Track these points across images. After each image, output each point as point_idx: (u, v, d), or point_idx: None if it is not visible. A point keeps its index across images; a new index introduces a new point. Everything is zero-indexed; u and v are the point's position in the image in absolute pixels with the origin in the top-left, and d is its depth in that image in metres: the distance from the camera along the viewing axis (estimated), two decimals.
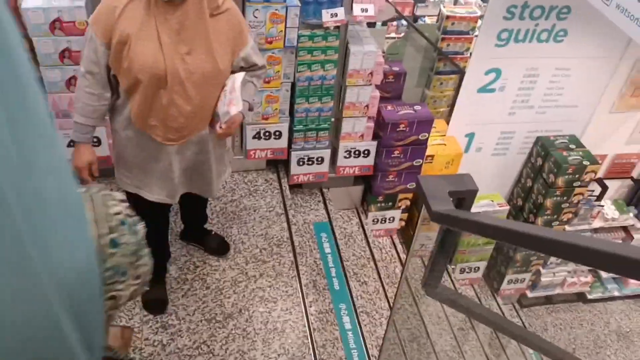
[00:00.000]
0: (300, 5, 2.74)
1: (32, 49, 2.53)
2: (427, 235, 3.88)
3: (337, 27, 2.88)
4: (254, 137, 3.15)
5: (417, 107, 3.34)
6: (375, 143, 3.33)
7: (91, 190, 0.81)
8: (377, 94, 3.14)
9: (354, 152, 3.34)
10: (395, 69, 3.43)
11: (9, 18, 0.57)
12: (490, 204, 3.87)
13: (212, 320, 2.56)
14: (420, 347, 2.86)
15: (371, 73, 3.03)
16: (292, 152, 3.23)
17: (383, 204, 3.67)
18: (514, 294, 4.61)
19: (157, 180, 2.16)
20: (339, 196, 3.63)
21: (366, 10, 2.78)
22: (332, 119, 3.19)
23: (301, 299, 2.75)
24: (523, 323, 4.53)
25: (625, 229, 4.30)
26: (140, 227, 0.86)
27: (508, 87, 3.55)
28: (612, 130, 3.88)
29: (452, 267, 4.15)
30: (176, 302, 2.60)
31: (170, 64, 1.85)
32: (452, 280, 4.07)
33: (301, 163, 3.28)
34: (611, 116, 3.78)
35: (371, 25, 4.62)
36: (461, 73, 4.86)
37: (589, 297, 4.79)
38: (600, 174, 3.98)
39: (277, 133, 3.16)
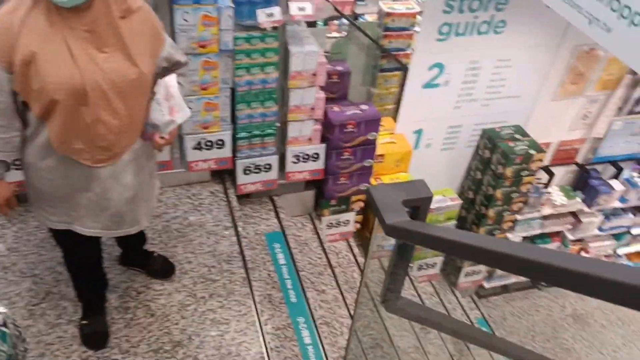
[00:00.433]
0: (233, 6, 2.58)
1: None
2: (384, 236, 3.81)
3: (275, 28, 2.73)
4: (194, 148, 2.96)
5: (364, 107, 3.25)
6: (323, 146, 3.21)
7: None
8: (323, 95, 3.02)
9: (303, 157, 3.21)
10: (339, 68, 3.32)
11: None
12: (442, 199, 3.84)
13: (160, 350, 2.36)
14: (383, 353, 2.76)
15: (314, 74, 2.91)
16: (238, 161, 3.06)
17: (336, 208, 3.56)
18: (472, 287, 4.62)
19: (90, 212, 1.94)
20: (290, 203, 3.48)
21: (303, 9, 2.65)
22: (277, 124, 3.05)
23: (256, 317, 2.59)
24: (483, 315, 4.54)
25: (573, 214, 4.37)
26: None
27: (452, 82, 3.52)
28: (555, 118, 3.93)
29: (410, 264, 4.09)
30: (118, 333, 2.38)
31: (88, 76, 1.65)
32: (410, 279, 4.01)
33: (248, 172, 3.12)
34: (553, 104, 3.82)
35: (312, 25, 4.50)
36: (404, 70, 4.83)
37: (544, 283, 4.86)
38: (545, 162, 4.02)
39: (219, 142, 2.98)
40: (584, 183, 4.28)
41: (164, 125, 1.89)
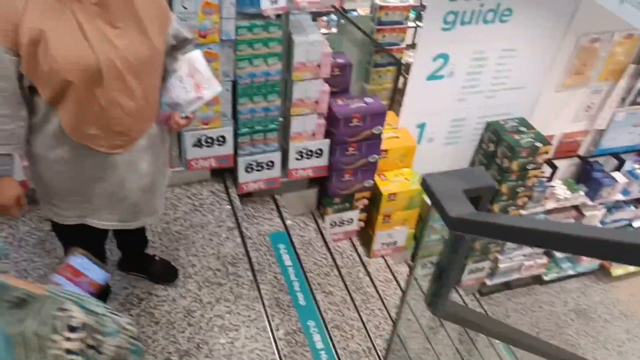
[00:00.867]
0: None
1: None
2: (388, 234, 3.69)
3: (279, 16, 2.59)
4: (194, 145, 2.80)
5: (369, 100, 3.12)
6: (327, 141, 3.08)
7: (26, 327, 0.60)
8: (327, 87, 2.88)
9: (306, 153, 3.07)
10: (341, 60, 3.18)
11: None
12: None
13: None
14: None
15: (319, 65, 2.77)
16: (239, 159, 2.90)
17: (340, 206, 3.43)
18: (475, 284, 4.53)
19: (106, 203, 1.79)
20: (293, 201, 3.34)
21: None
22: (280, 119, 2.90)
23: (266, 322, 2.44)
24: (486, 312, 4.45)
25: (576, 207, 4.32)
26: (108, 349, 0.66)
27: (457, 73, 3.42)
28: (559, 110, 3.86)
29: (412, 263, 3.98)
30: None
31: (102, 54, 1.49)
32: (415, 278, 3.89)
33: (250, 169, 2.97)
34: (557, 95, 3.75)
35: None
36: (399, 65, 4.74)
37: (545, 278, 4.80)
38: (549, 155, 3.95)
39: (220, 138, 2.82)
40: (587, 176, 4.22)
41: (187, 104, 1.77)
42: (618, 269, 4.91)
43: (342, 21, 5.35)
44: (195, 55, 1.79)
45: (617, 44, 3.62)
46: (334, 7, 5.21)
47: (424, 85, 3.40)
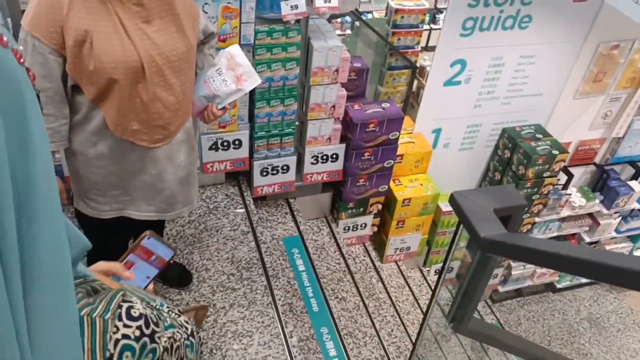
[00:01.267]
0: None
1: None
2: (402, 239, 3.67)
3: (297, 21, 2.58)
4: (210, 148, 2.79)
5: (385, 105, 3.11)
6: (343, 146, 3.06)
7: (95, 310, 0.71)
8: (344, 92, 2.87)
9: (322, 157, 3.06)
10: (357, 65, 3.18)
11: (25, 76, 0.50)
12: None
13: None
14: None
15: (337, 70, 2.76)
16: (255, 162, 2.90)
17: (354, 210, 3.42)
18: (487, 291, 4.49)
19: (144, 195, 1.84)
20: (307, 206, 3.33)
21: (329, 1, 2.50)
22: (296, 123, 2.89)
23: (280, 329, 2.43)
24: (498, 319, 4.42)
25: (591, 215, 4.27)
26: (161, 342, 0.75)
27: (474, 79, 3.39)
28: (576, 117, 3.82)
29: (427, 269, 3.96)
30: None
31: (143, 52, 1.54)
32: (428, 283, 3.88)
33: (265, 173, 2.96)
34: (575, 102, 3.71)
35: None
36: (413, 68, 4.71)
37: (558, 286, 4.76)
38: (565, 162, 3.91)
39: (236, 142, 2.82)
40: (603, 184, 4.17)
41: (226, 96, 1.83)
42: None
43: (357, 23, 5.33)
44: (235, 49, 1.85)
45: (637, 52, 3.57)
46: (354, 12, 5.19)
47: (440, 90, 3.37)
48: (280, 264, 2.90)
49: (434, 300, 1.65)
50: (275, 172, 2.98)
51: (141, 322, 0.72)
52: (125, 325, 0.71)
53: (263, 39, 2.53)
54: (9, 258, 0.46)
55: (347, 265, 3.21)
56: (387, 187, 3.35)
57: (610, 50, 3.51)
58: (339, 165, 3.13)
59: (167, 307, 0.91)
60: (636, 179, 4.18)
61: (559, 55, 3.42)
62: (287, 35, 2.56)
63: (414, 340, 2.20)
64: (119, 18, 1.50)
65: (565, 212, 4.09)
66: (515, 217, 1.18)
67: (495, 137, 3.78)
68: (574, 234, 4.42)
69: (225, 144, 2.80)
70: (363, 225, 3.53)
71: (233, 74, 1.82)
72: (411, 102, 4.78)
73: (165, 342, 0.75)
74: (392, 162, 3.22)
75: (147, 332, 0.72)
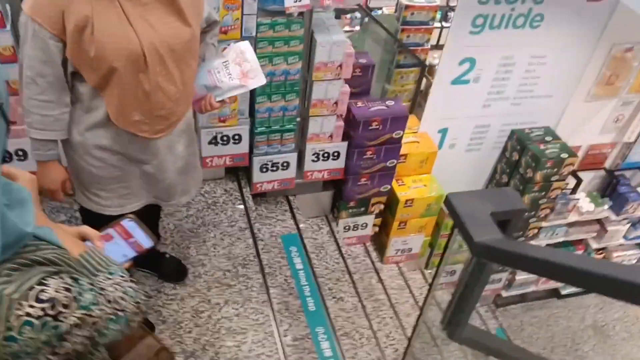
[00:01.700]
0: None
1: None
2: (403, 240, 3.61)
3: (301, 14, 2.52)
4: (209, 143, 2.75)
5: (390, 103, 3.04)
6: (345, 144, 3.00)
7: (6, 289, 0.80)
8: (347, 89, 2.81)
9: (323, 155, 3.00)
10: (363, 61, 3.11)
11: None
12: None
13: None
14: None
15: (340, 66, 2.70)
16: (254, 158, 2.85)
17: (355, 210, 3.36)
18: (490, 295, 4.42)
19: (144, 185, 1.84)
20: (307, 203, 3.28)
21: None
22: (298, 119, 2.84)
23: (274, 327, 2.39)
24: (500, 324, 4.35)
25: (599, 221, 4.18)
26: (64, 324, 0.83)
27: (483, 78, 3.31)
28: (587, 120, 3.73)
29: (429, 271, 3.90)
30: None
31: (145, 40, 1.51)
32: (430, 287, 3.80)
33: (264, 169, 2.91)
34: (586, 105, 3.62)
35: None
36: (423, 66, 4.63)
37: (563, 292, 4.67)
38: (574, 166, 3.82)
39: (236, 137, 2.77)
40: (612, 190, 4.08)
41: (227, 89, 1.81)
42: None
43: (366, 19, 5.25)
44: (246, 45, 1.84)
45: None
46: (359, 5, 5.11)
47: (448, 89, 3.30)
48: (278, 262, 2.85)
49: (426, 304, 1.59)
50: (275, 168, 2.93)
51: (46, 305, 0.79)
52: (30, 306, 0.79)
53: (265, 31, 2.48)
54: None
55: (346, 265, 3.16)
56: (389, 187, 3.29)
57: (624, 52, 3.41)
58: (340, 163, 3.08)
59: (121, 276, 0.98)
60: None
61: (571, 57, 3.33)
62: (290, 29, 2.50)
63: (410, 341, 2.15)
64: (120, 4, 1.47)
65: (572, 218, 4.00)
66: (514, 222, 1.11)
67: (504, 138, 3.70)
68: (581, 240, 4.33)
69: (224, 138, 2.75)
70: (364, 225, 3.47)
71: (239, 69, 1.81)
72: (419, 100, 4.70)
73: (74, 320, 0.83)
74: (395, 161, 3.16)
75: (51, 312, 0.80)
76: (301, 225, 3.15)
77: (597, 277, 0.78)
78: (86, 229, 1.14)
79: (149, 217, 2.31)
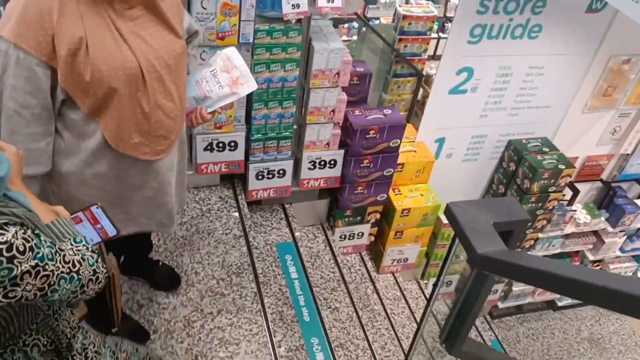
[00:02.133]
0: None
1: None
2: (399, 250, 3.58)
3: (299, 21, 2.51)
4: (205, 149, 2.72)
5: (387, 111, 3.02)
6: (342, 152, 2.98)
7: None
8: (345, 97, 2.79)
9: (319, 163, 2.98)
10: (360, 69, 3.09)
11: None
12: None
13: None
14: None
15: (337, 73, 2.68)
16: (250, 165, 2.82)
17: (351, 219, 3.33)
18: (486, 306, 4.39)
19: (145, 210, 1.71)
20: (302, 212, 3.25)
21: (332, 1, 2.43)
22: (294, 126, 2.81)
23: (268, 338, 2.34)
24: (496, 336, 4.31)
25: (596, 233, 4.16)
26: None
27: (480, 88, 3.31)
28: (584, 132, 3.72)
29: (425, 282, 3.86)
30: None
31: (141, 57, 1.41)
32: (425, 296, 3.78)
33: (260, 177, 2.88)
34: (583, 116, 3.62)
35: None
36: (419, 75, 4.63)
37: (559, 304, 4.64)
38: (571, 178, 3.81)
39: (232, 144, 2.74)
40: (609, 202, 4.07)
41: (219, 99, 1.74)
42: None
43: (364, 29, 5.26)
44: (232, 51, 1.76)
45: None
46: (356, 14, 5.12)
47: (445, 98, 3.29)
48: (272, 271, 2.81)
49: (424, 320, 1.56)
50: (271, 176, 2.90)
51: (3, 247, 0.85)
52: None
53: (262, 38, 2.46)
54: None
55: (342, 275, 3.12)
56: (386, 196, 3.26)
57: (621, 65, 3.42)
58: (337, 171, 3.05)
59: (85, 245, 1.08)
60: None
61: (569, 68, 3.33)
62: (288, 35, 2.49)
63: (407, 356, 2.11)
64: (112, 22, 1.37)
65: (569, 229, 3.98)
66: (517, 233, 1.08)
67: (501, 148, 3.69)
68: (577, 252, 4.32)
69: (220, 145, 2.72)
70: (360, 234, 3.44)
71: (228, 76, 1.74)
72: (416, 110, 4.69)
73: (26, 267, 0.89)
74: (392, 170, 3.14)
75: (6, 254, 0.86)
76: (297, 234, 3.11)
77: (620, 294, 0.74)
78: (60, 209, 1.20)
79: (140, 247, 2.26)
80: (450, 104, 3.32)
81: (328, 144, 2.94)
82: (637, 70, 3.48)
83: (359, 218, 3.35)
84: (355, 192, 3.17)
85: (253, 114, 2.68)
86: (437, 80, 3.23)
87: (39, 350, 1.15)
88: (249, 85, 1.77)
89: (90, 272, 1.06)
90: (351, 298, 3.04)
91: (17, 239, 0.89)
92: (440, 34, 6.57)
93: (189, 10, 2.31)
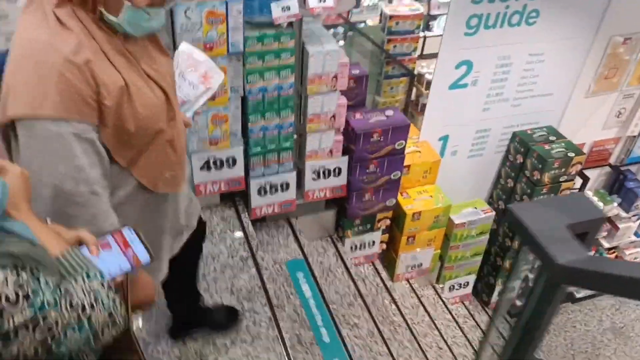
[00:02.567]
0: None
1: None
2: (413, 255, 3.42)
3: (290, 25, 2.37)
4: (202, 169, 2.56)
5: (389, 113, 2.89)
6: (346, 159, 2.83)
7: None
8: (345, 101, 2.65)
9: (324, 172, 2.82)
10: (355, 72, 2.96)
11: None
12: (474, 211, 3.48)
13: None
14: None
15: (335, 77, 2.54)
16: (251, 181, 2.66)
17: (361, 228, 3.17)
18: (504, 305, 4.23)
19: (169, 234, 1.57)
20: (310, 225, 3.09)
21: (324, 0, 2.29)
22: (294, 136, 2.66)
23: None
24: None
25: (609, 219, 4.04)
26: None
27: (481, 81, 3.19)
28: (588, 116, 3.61)
29: (441, 285, 3.71)
30: None
31: (164, 87, 1.32)
32: (442, 300, 3.62)
33: (263, 192, 2.72)
34: (587, 101, 3.51)
35: None
36: (411, 75, 4.52)
37: (577, 295, 4.50)
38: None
39: (230, 160, 2.58)
40: (620, 186, 3.96)
41: (195, 100, 1.61)
42: None
43: (350, 33, 5.14)
44: (188, 47, 1.65)
45: None
46: (342, 17, 5.01)
47: (446, 95, 3.16)
48: (285, 291, 2.64)
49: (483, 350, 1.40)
50: (274, 190, 2.74)
51: None
52: None
53: (253, 45, 2.31)
54: None
55: (357, 288, 2.96)
56: (395, 200, 3.11)
57: (622, 44, 3.32)
58: (342, 179, 2.90)
59: (100, 282, 0.89)
60: None
61: (569, 52, 3.22)
62: (280, 41, 2.34)
63: None
64: (135, 60, 1.23)
65: None
66: (591, 235, 0.93)
67: (506, 141, 3.56)
68: None
69: (218, 162, 2.56)
70: (371, 243, 3.28)
71: (197, 74, 1.63)
72: (410, 110, 4.57)
73: (21, 320, 0.76)
74: (400, 173, 2.99)
75: None
76: (306, 249, 2.95)
77: None
78: (84, 234, 1.02)
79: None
80: (451, 100, 3.19)
81: (331, 151, 2.79)
82: (638, 49, 3.37)
83: (368, 226, 3.19)
84: (363, 199, 3.02)
85: (250, 127, 2.53)
86: (436, 76, 3.10)
87: None
88: (218, 76, 1.67)
89: (105, 316, 0.88)
90: (369, 312, 2.88)
91: (6, 286, 0.75)
92: (427, 33, 6.48)
93: (172, 21, 2.16)
